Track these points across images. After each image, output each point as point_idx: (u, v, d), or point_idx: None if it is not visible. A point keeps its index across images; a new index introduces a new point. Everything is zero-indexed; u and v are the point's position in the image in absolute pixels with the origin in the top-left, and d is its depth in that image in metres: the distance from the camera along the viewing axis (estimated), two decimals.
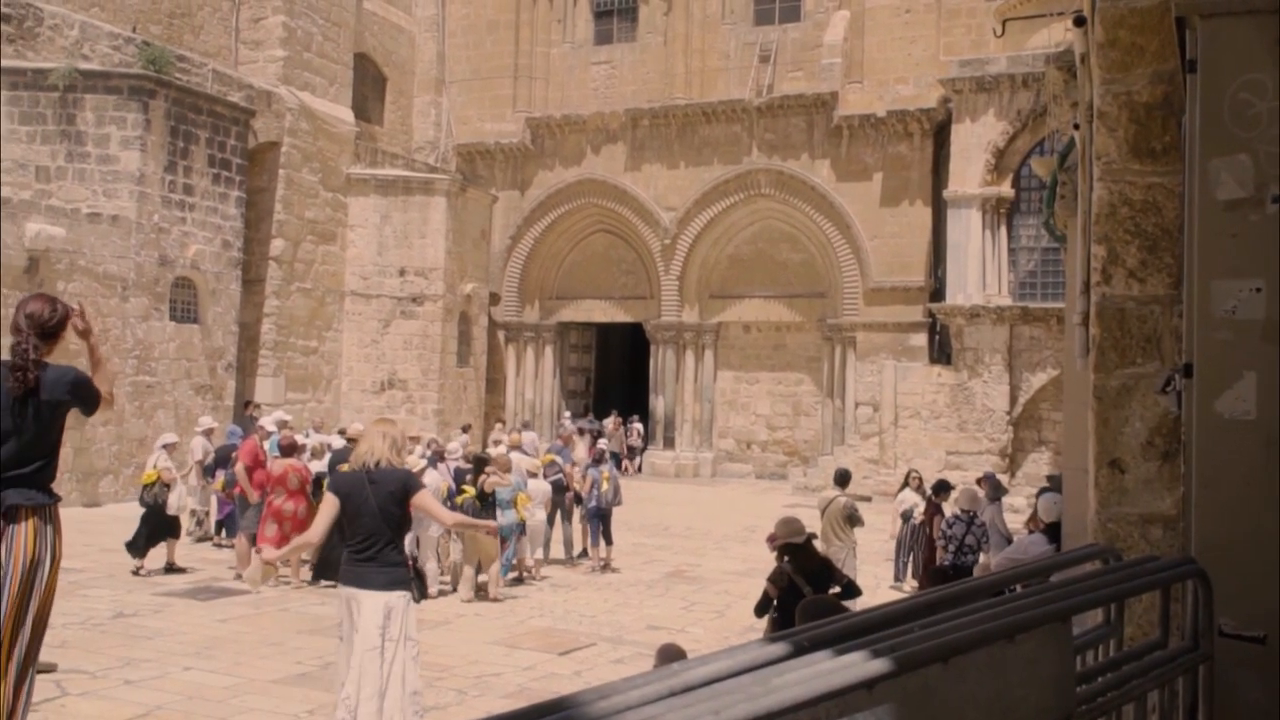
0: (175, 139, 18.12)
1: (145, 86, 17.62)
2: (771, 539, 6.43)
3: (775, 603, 6.42)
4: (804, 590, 6.04)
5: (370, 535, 4.97)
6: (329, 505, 5.13)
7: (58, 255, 16.17)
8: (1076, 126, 6.27)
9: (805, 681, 1.54)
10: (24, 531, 4.38)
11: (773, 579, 6.36)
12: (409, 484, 5.04)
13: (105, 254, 17.02)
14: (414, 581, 5.03)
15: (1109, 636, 2.82)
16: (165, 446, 12.28)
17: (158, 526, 11.74)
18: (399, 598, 4.99)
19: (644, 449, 26.33)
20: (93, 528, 14.51)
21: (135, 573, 11.52)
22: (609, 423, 25.58)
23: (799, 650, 1.69)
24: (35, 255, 15.86)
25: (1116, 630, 2.83)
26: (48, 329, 4.60)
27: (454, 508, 11.58)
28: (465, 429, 20.59)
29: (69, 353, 4.98)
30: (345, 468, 5.15)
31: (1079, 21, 5.51)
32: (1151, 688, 2.80)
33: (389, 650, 4.91)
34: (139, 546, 11.65)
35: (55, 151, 17.29)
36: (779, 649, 1.71)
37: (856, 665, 1.63)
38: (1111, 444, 4.09)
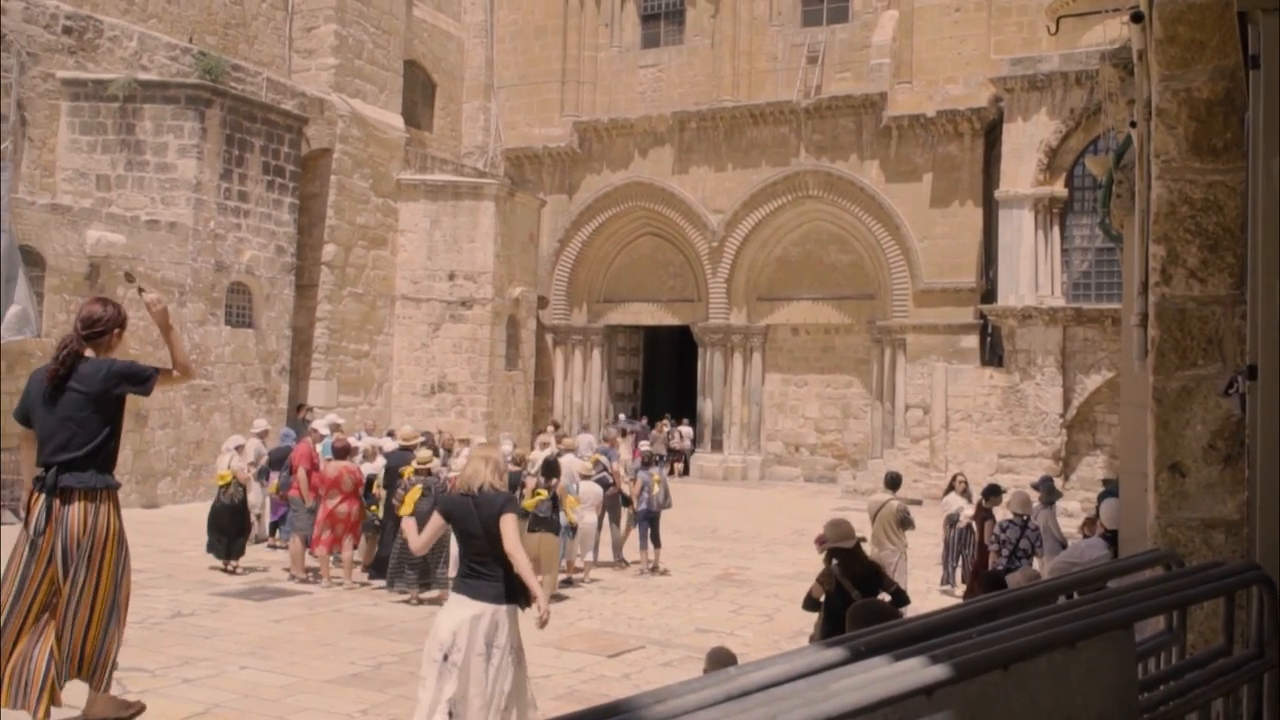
0: (230, 147, 18.44)
1: (202, 96, 17.95)
2: (820, 541, 6.37)
3: (822, 603, 6.37)
4: (851, 594, 5.99)
5: (479, 554, 5.33)
6: (436, 524, 5.53)
7: (117, 261, 16.52)
8: (1133, 124, 6.17)
9: (863, 687, 1.53)
10: (75, 511, 4.75)
11: (820, 580, 6.32)
12: (504, 507, 5.36)
13: (163, 260, 17.37)
14: (521, 594, 5.31)
15: (1171, 643, 2.77)
16: (237, 448, 12.56)
17: (238, 524, 12.08)
18: (506, 610, 5.32)
19: (692, 451, 26.30)
20: (152, 529, 14.80)
21: (231, 572, 11.81)
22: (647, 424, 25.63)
23: (856, 655, 1.68)
24: (96, 262, 16.23)
25: (1179, 637, 2.77)
26: (95, 329, 4.90)
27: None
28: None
29: (151, 353, 5.21)
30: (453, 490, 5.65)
31: (1136, 18, 5.42)
32: (1215, 696, 2.74)
33: (495, 657, 5.24)
34: (226, 547, 11.95)
35: (115, 160, 17.67)
36: (836, 654, 1.69)
37: (915, 671, 1.61)
38: (1172, 447, 4.01)
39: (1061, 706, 1.93)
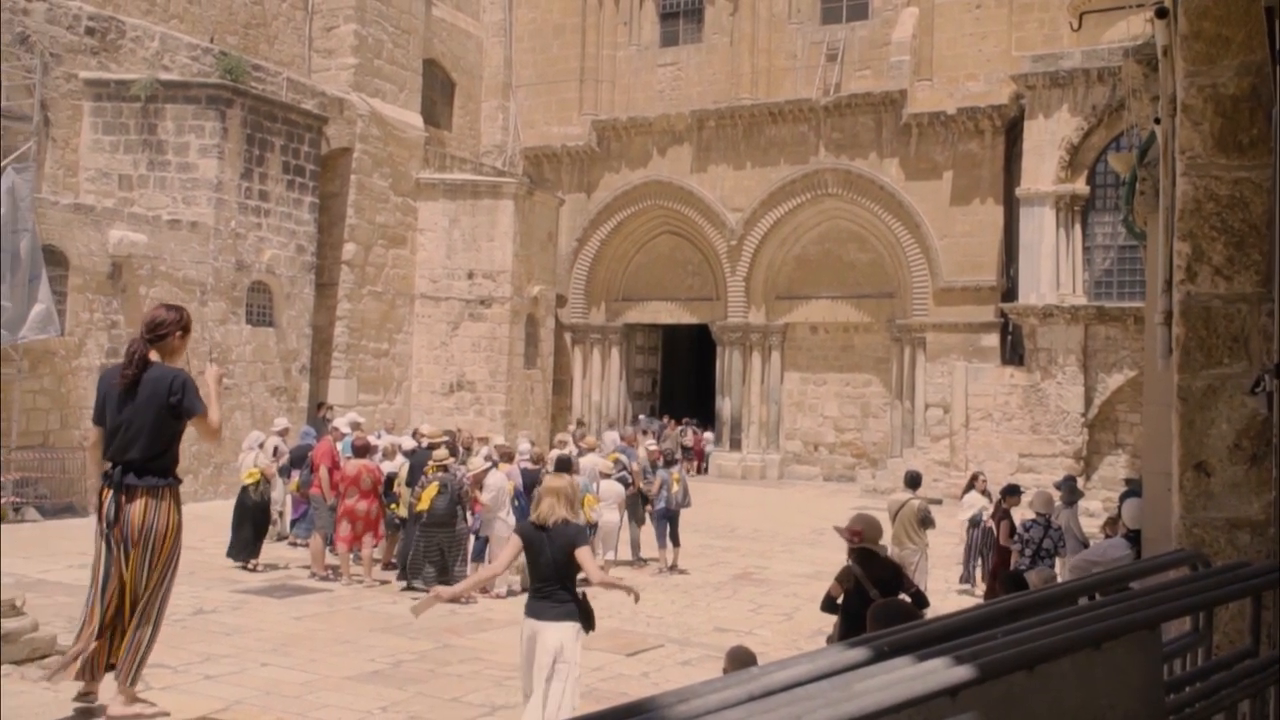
0: (251, 146, 18.55)
1: (223, 96, 18.06)
2: (857, 534, 6.32)
3: (839, 603, 6.34)
4: (870, 594, 5.95)
5: (546, 579, 5.85)
6: (514, 545, 6.13)
7: (140, 261, 16.65)
8: (1158, 121, 6.11)
9: (887, 688, 1.52)
10: (137, 508, 5.10)
11: (840, 578, 6.28)
12: (576, 540, 5.88)
13: (185, 259, 17.49)
14: (583, 615, 5.85)
15: (1197, 645, 2.74)
16: (259, 445, 12.62)
17: (262, 522, 12.17)
18: (570, 629, 5.80)
19: (707, 452, 26.27)
20: None
21: (252, 569, 11.88)
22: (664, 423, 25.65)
23: (879, 655, 1.67)
24: (118, 261, 16.35)
25: (1205, 638, 2.74)
26: (159, 332, 5.25)
27: (526, 506, 11.70)
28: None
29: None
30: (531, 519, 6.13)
31: (1161, 13, 5.37)
32: (1242, 697, 2.71)
33: (561, 671, 5.72)
34: (246, 545, 12.02)
35: (137, 160, 17.80)
36: (859, 654, 1.68)
37: (939, 672, 1.60)
38: (1197, 446, 3.97)
39: (1087, 708, 1.91)
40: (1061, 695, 1.85)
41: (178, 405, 5.22)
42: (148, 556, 5.14)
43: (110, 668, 5.25)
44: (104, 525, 5.20)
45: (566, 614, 5.78)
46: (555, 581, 5.81)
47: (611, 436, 18.87)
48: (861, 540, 6.36)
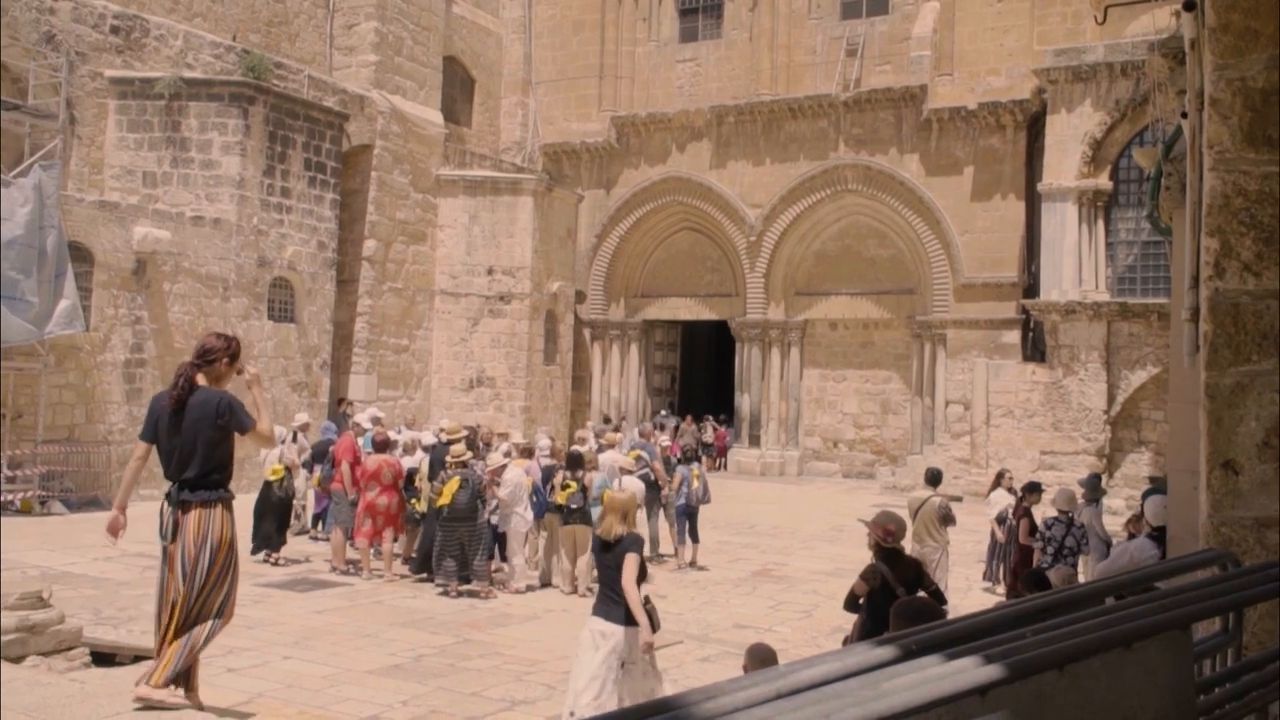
0: (273, 144, 18.64)
1: (245, 93, 18.16)
2: (890, 533, 6.32)
3: (862, 601, 6.32)
4: (897, 591, 5.93)
5: (611, 584, 6.47)
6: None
7: (163, 257, 16.78)
8: (1184, 115, 6.05)
9: (916, 686, 1.51)
10: (192, 521, 5.46)
11: (865, 576, 6.25)
12: (628, 548, 6.50)
13: (208, 256, 17.60)
14: (650, 618, 6.46)
15: (1227, 645, 2.71)
16: (283, 441, 12.67)
17: (285, 517, 12.25)
18: (617, 628, 6.35)
19: (720, 448, 26.24)
20: None
21: (274, 563, 11.95)
22: (678, 420, 25.65)
23: (907, 654, 1.65)
24: (143, 257, 16.48)
25: (1235, 638, 2.71)
26: (208, 357, 5.67)
27: (544, 502, 11.73)
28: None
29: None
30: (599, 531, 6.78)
31: (1188, 6, 5.31)
32: (1274, 698, 2.68)
33: (614, 673, 6.26)
34: (269, 539, 12.10)
35: (161, 157, 17.92)
36: (887, 652, 1.67)
37: (969, 671, 1.59)
38: (1225, 445, 3.93)
39: (1118, 708, 1.89)
40: (1092, 695, 1.83)
41: (226, 426, 5.59)
42: (204, 564, 5.50)
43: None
44: (164, 540, 5.58)
45: (628, 616, 6.36)
46: (617, 586, 6.41)
47: (631, 434, 18.87)
48: (893, 539, 6.35)
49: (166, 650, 5.51)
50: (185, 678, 5.62)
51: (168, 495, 5.58)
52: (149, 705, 5.52)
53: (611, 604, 6.41)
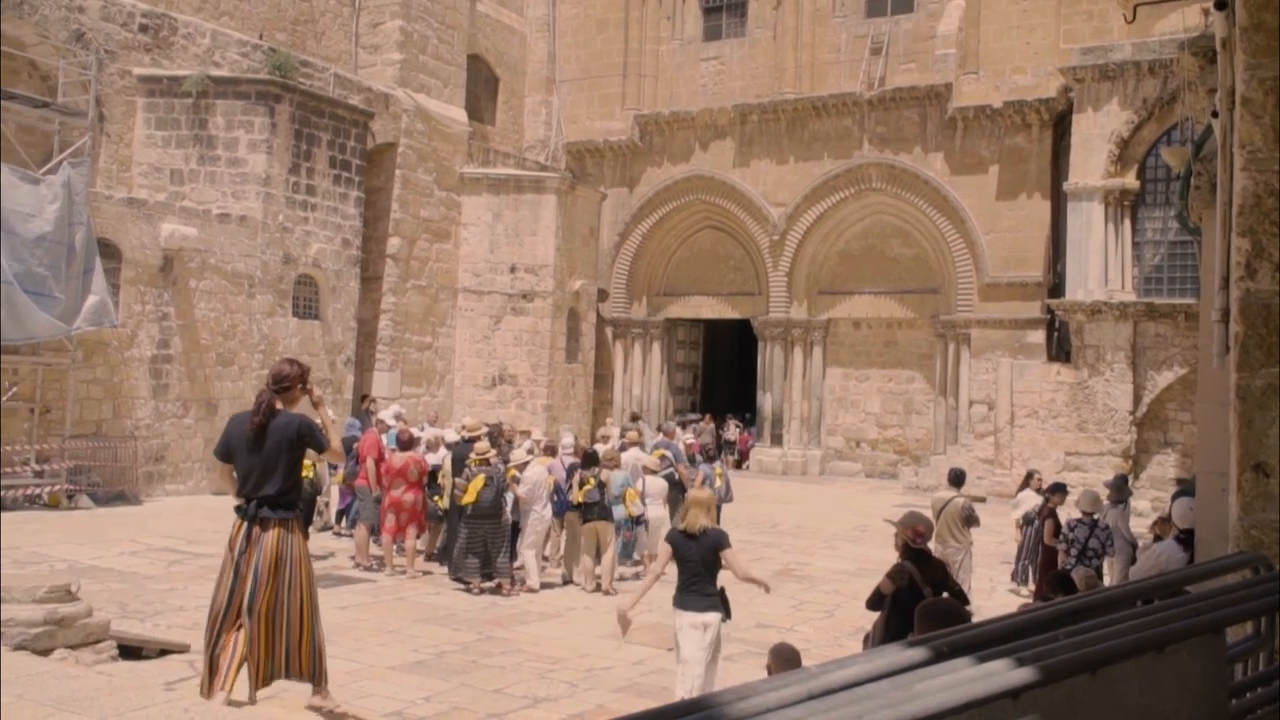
0: (299, 142, 18.75)
1: (271, 91, 18.27)
2: (920, 534, 6.43)
3: (887, 600, 6.30)
4: (924, 591, 5.91)
5: (695, 576, 6.84)
6: (665, 551, 7.14)
7: (190, 254, 16.91)
8: (1214, 114, 5.99)
9: (948, 689, 1.50)
10: (271, 537, 5.90)
11: (893, 575, 6.24)
12: (719, 543, 6.91)
13: (234, 253, 17.73)
14: (724, 605, 6.93)
15: (1259, 649, 2.68)
16: None
17: (309, 513, 12.32)
18: (713, 616, 6.80)
19: (743, 451, 26.20)
20: (222, 515, 15.09)
21: None
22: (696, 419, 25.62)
23: (939, 656, 1.65)
24: (170, 254, 16.62)
25: (1267, 642, 2.69)
26: (282, 384, 6.11)
27: (565, 501, 11.75)
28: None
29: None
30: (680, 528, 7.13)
31: (1220, 4, 5.26)
32: None
33: (706, 653, 6.74)
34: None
35: (188, 155, 18.06)
36: (918, 653, 1.66)
37: (1001, 674, 1.58)
38: (1256, 446, 3.89)
39: (1150, 712, 1.87)
40: (1125, 699, 1.82)
41: (304, 447, 6.08)
42: (287, 579, 5.94)
43: (267, 681, 6.04)
44: (234, 552, 5.98)
45: (711, 605, 6.79)
46: (702, 578, 6.81)
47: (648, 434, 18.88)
48: (923, 540, 6.37)
49: (235, 657, 5.82)
50: (316, 678, 6.16)
51: (241, 510, 6.02)
52: (329, 714, 6.24)
53: (701, 596, 6.80)
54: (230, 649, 5.86)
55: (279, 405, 6.06)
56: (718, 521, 13.11)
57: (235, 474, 6.13)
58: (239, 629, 5.89)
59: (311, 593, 6.09)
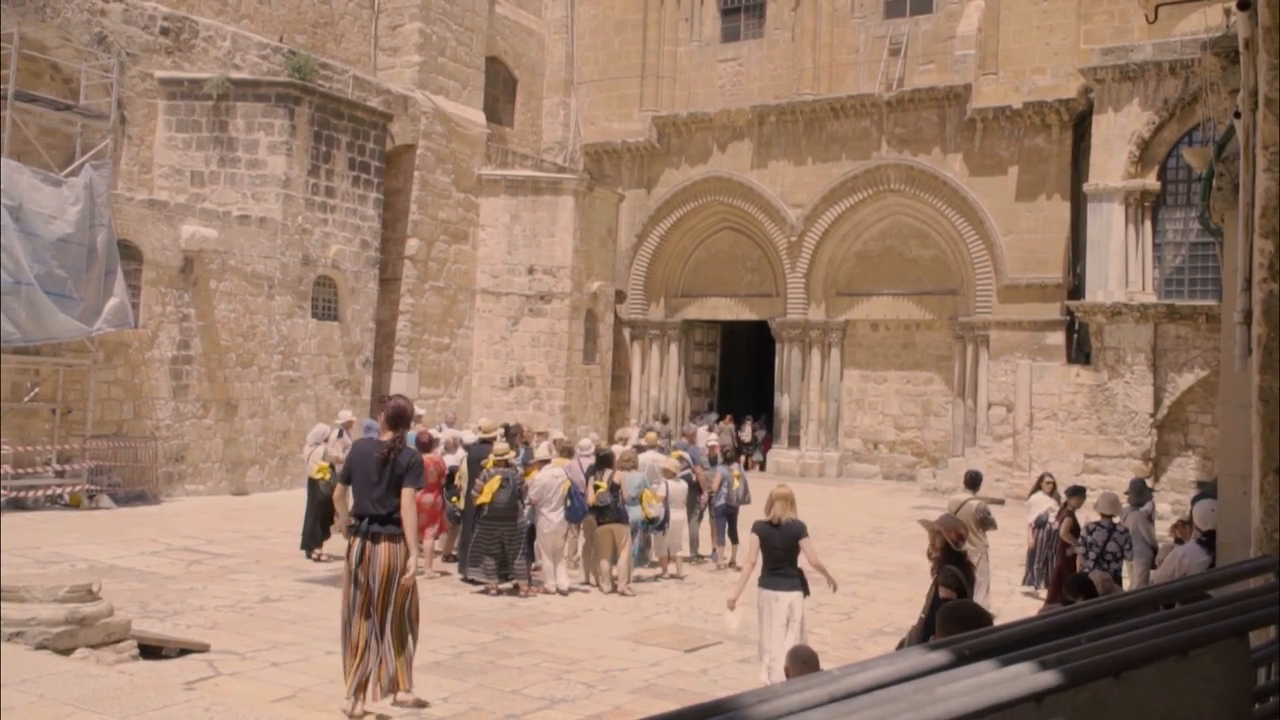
0: (318, 143, 18.85)
1: (291, 94, 18.37)
2: (960, 536, 6.74)
3: (926, 603, 6.34)
4: (968, 594, 5.94)
5: (779, 561, 7.85)
6: (754, 542, 8.00)
7: (210, 256, 17.02)
8: (1238, 115, 5.95)
9: (971, 692, 1.50)
10: (382, 551, 6.65)
11: (948, 582, 6.25)
12: (799, 532, 7.91)
13: (253, 254, 17.84)
14: (803, 585, 7.86)
15: None
16: (326, 439, 12.73)
17: (328, 514, 12.36)
18: (797, 596, 7.81)
19: (755, 445, 26.15)
20: (241, 515, 15.23)
21: (317, 559, 12.08)
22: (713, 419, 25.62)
23: (961, 659, 1.64)
24: (190, 256, 16.73)
25: None
26: (403, 419, 6.97)
27: (582, 504, 11.75)
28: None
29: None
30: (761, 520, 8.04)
31: (1243, 5, 5.22)
32: None
33: (792, 630, 7.68)
34: (312, 535, 12.23)
35: (209, 157, 18.18)
36: (940, 657, 1.66)
37: (1024, 677, 1.58)
38: (1279, 450, 3.86)
39: (1173, 716, 1.86)
40: (1148, 703, 1.81)
41: (403, 477, 6.76)
42: (394, 587, 6.67)
43: (392, 688, 6.76)
44: (351, 565, 6.70)
45: (793, 585, 7.81)
46: (785, 563, 7.82)
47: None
48: (963, 542, 6.41)
49: (367, 662, 6.62)
50: (393, 680, 6.76)
51: (355, 529, 6.74)
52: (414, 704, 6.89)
53: (783, 577, 7.77)
54: (381, 657, 6.67)
55: (388, 435, 6.85)
56: (733, 524, 13.22)
57: (353, 494, 6.87)
58: (370, 637, 6.65)
59: (413, 601, 6.83)
